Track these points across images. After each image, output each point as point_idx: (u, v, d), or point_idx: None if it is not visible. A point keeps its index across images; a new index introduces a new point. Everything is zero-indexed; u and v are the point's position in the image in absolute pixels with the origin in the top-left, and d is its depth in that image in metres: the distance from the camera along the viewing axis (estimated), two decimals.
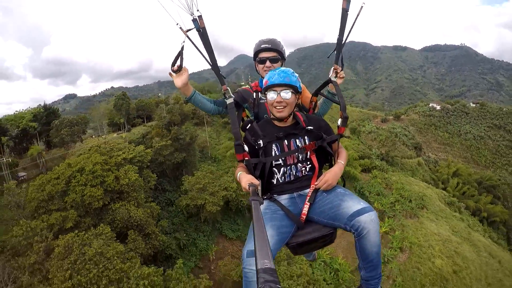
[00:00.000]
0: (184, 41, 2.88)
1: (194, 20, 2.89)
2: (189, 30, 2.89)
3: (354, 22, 3.08)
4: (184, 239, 32.72)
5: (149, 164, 34.86)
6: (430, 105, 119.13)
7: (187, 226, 34.92)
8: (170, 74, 3.01)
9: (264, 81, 2.94)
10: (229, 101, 3.22)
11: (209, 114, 3.61)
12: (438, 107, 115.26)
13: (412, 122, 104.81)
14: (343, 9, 3.03)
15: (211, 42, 3.01)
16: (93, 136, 57.15)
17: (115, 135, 50.96)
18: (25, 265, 19.84)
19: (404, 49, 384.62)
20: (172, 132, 39.83)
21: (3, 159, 38.57)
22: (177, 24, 2.81)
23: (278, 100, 2.86)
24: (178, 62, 2.93)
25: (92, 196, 25.21)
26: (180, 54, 2.90)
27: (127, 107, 56.98)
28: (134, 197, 27.84)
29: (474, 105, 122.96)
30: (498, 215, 67.13)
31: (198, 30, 2.93)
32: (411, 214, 47.61)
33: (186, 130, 41.76)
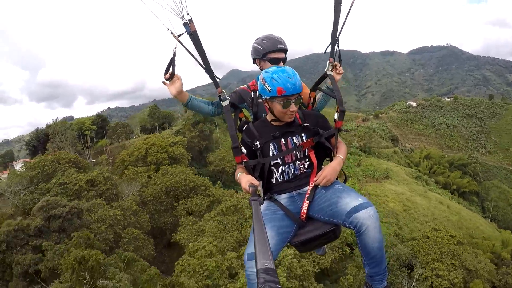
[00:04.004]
0: (175, 48, 2.98)
1: (185, 24, 2.99)
2: (181, 35, 3.00)
3: (348, 14, 3.12)
4: None
5: (185, 148, 54.65)
6: (408, 103, 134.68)
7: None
8: (163, 82, 3.12)
9: (277, 88, 2.82)
10: (225, 103, 3.31)
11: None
12: (414, 104, 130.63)
13: (390, 119, 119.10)
14: (336, 1, 3.10)
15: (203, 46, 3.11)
16: (135, 137, 76.97)
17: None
18: (138, 184, 38.86)
19: (392, 53, 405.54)
20: (198, 127, 60.60)
21: (87, 149, 60.29)
22: (168, 29, 2.93)
23: (293, 109, 2.93)
24: (170, 70, 3.03)
25: (162, 157, 44.58)
26: (172, 62, 3.00)
27: (159, 115, 79.30)
28: (183, 162, 47.09)
29: (449, 99, 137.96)
30: (466, 186, 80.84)
31: (189, 34, 3.02)
32: (374, 181, 63.24)
33: (206, 125, 62.65)
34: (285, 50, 3.46)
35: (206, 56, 3.16)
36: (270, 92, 2.86)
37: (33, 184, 39.22)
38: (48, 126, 67.02)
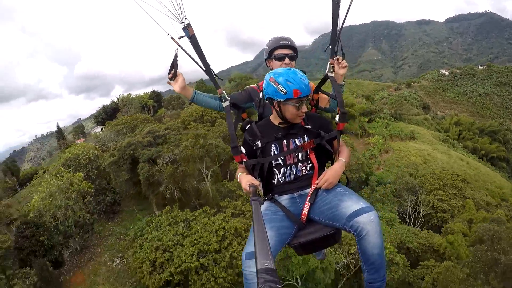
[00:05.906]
0: (177, 49, 3.14)
1: (184, 29, 3.11)
2: (181, 37, 3.14)
3: (346, 14, 3.10)
4: None
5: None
6: (440, 71, 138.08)
7: None
8: (168, 82, 3.32)
9: (293, 90, 2.90)
10: (225, 104, 3.41)
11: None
12: (446, 73, 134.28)
13: (422, 87, 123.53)
14: (333, 1, 3.05)
15: (202, 48, 3.22)
16: (187, 107, 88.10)
17: None
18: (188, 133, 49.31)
19: (428, 22, 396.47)
20: None
21: (151, 116, 72.44)
22: (168, 34, 3.07)
23: (305, 110, 3.01)
24: (173, 70, 3.23)
25: (215, 117, 54.38)
26: (174, 63, 3.19)
27: (205, 89, 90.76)
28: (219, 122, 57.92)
29: (482, 67, 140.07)
30: (495, 152, 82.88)
31: (189, 38, 3.14)
32: (400, 140, 69.05)
33: None
34: (290, 47, 3.49)
35: (205, 58, 3.25)
36: (285, 94, 2.91)
37: (120, 135, 50.97)
38: (112, 102, 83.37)
